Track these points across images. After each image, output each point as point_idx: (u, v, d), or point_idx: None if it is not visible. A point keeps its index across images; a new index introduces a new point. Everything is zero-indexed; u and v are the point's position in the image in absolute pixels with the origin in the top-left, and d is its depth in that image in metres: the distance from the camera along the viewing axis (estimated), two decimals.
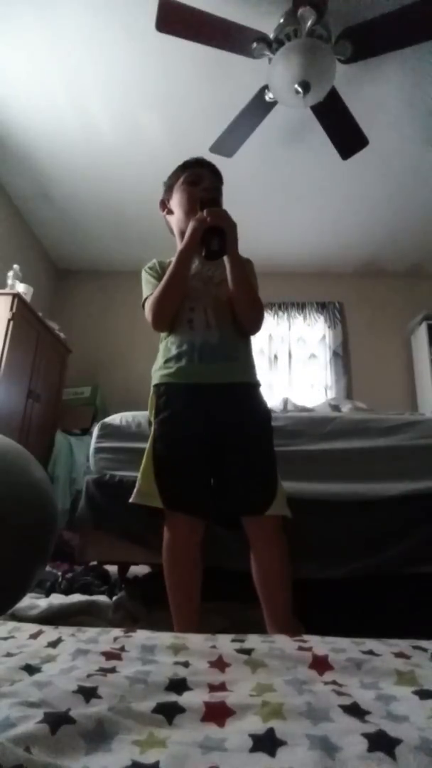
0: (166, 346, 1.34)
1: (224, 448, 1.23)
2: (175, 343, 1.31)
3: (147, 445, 1.27)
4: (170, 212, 1.43)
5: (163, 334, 1.38)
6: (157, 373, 1.33)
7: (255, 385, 1.34)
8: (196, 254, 1.29)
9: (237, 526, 1.22)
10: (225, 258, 1.27)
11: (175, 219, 1.41)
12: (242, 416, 1.26)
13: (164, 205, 1.46)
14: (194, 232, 1.23)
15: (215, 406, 1.24)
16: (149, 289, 1.37)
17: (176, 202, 1.40)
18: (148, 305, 1.34)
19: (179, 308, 1.32)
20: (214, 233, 1.22)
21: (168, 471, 1.21)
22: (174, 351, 1.30)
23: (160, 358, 1.35)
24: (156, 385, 1.32)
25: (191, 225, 1.24)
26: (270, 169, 3.21)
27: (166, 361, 1.31)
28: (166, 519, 1.22)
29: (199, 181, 1.38)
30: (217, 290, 1.35)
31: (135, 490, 1.23)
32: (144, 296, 1.38)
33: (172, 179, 1.43)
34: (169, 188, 1.44)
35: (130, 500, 1.22)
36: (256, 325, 1.36)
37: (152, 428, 1.28)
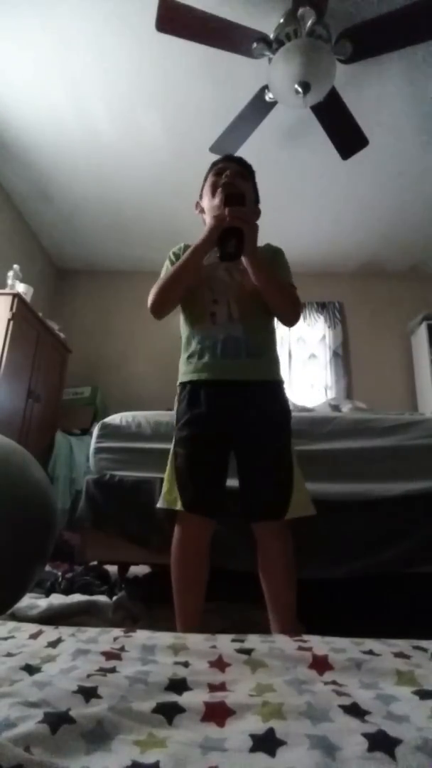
0: (188, 340, 1.32)
1: (241, 449, 1.22)
2: (197, 337, 1.29)
3: (170, 449, 1.27)
4: (203, 211, 1.41)
5: (184, 329, 1.35)
6: (181, 369, 1.31)
7: (277, 383, 1.31)
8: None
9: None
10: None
11: (206, 213, 1.38)
12: (260, 419, 1.23)
13: (198, 205, 1.45)
14: (212, 230, 1.21)
15: (235, 405, 1.22)
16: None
17: (204, 194, 1.39)
18: (151, 290, 1.30)
19: (202, 301, 1.30)
20: (232, 234, 1.18)
21: (187, 475, 1.20)
22: (195, 346, 1.28)
23: (183, 353, 1.33)
24: (181, 384, 1.30)
25: (210, 222, 1.23)
26: (270, 169, 3.20)
27: (189, 357, 1.29)
28: (178, 516, 1.21)
29: (224, 172, 1.35)
30: (242, 278, 1.30)
31: (161, 495, 1.24)
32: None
33: (204, 180, 1.41)
34: (201, 189, 1.42)
35: (157, 505, 1.24)
36: (292, 319, 1.32)
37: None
